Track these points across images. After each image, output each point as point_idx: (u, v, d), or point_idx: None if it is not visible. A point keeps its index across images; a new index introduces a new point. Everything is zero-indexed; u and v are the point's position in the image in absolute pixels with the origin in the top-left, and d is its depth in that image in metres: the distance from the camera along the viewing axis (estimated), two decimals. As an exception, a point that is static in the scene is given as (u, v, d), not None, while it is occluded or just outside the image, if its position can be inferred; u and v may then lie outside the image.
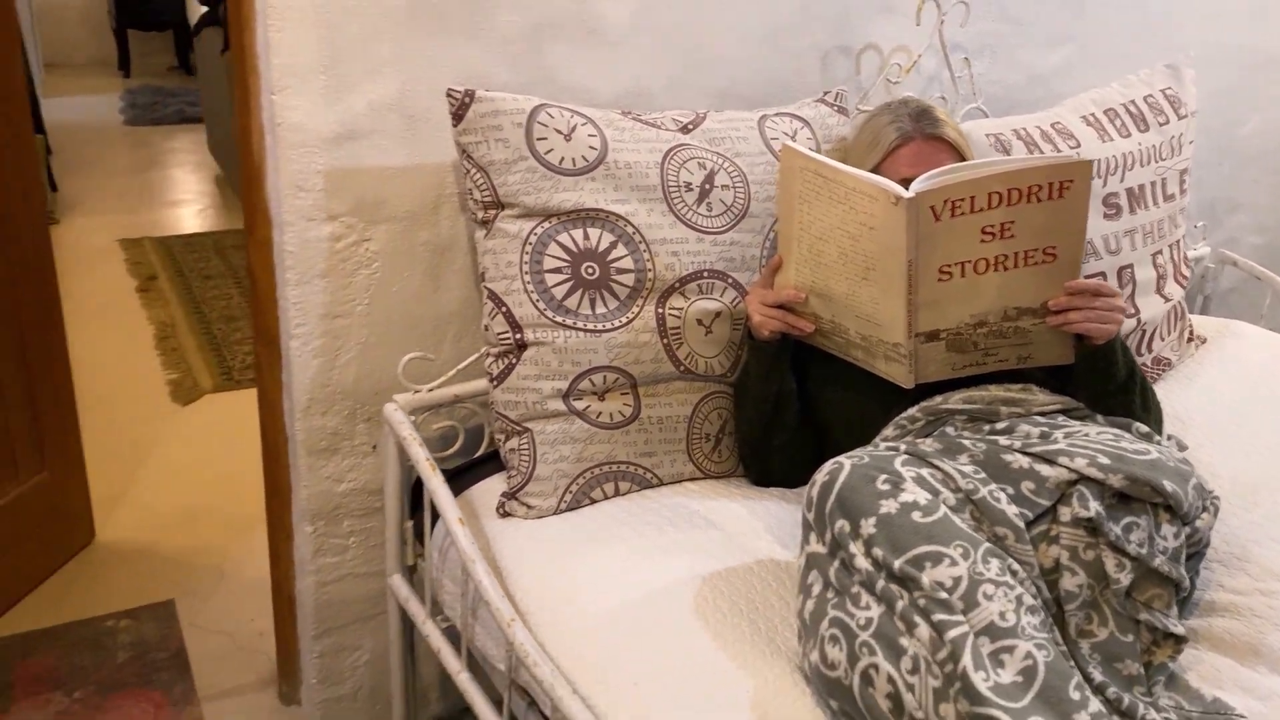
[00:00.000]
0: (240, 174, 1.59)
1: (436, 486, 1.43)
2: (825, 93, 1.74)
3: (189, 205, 4.70)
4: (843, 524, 1.16)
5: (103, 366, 3.04)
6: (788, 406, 1.51)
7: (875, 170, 1.46)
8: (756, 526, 1.46)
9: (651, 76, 1.69)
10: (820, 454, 1.55)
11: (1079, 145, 1.82)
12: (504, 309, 1.46)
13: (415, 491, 1.62)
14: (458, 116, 1.45)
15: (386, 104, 1.51)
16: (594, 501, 1.50)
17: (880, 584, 1.13)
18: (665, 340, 1.50)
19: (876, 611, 1.12)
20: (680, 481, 1.56)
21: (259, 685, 1.97)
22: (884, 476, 1.18)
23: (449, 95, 1.45)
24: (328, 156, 1.50)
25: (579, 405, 1.48)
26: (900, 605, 1.11)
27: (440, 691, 1.88)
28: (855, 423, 1.47)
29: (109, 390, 2.92)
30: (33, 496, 2.11)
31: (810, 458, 1.55)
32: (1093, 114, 1.88)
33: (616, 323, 1.47)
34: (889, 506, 1.15)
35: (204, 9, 4.87)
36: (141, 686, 1.93)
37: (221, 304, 3.59)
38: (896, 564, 1.11)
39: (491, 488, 1.55)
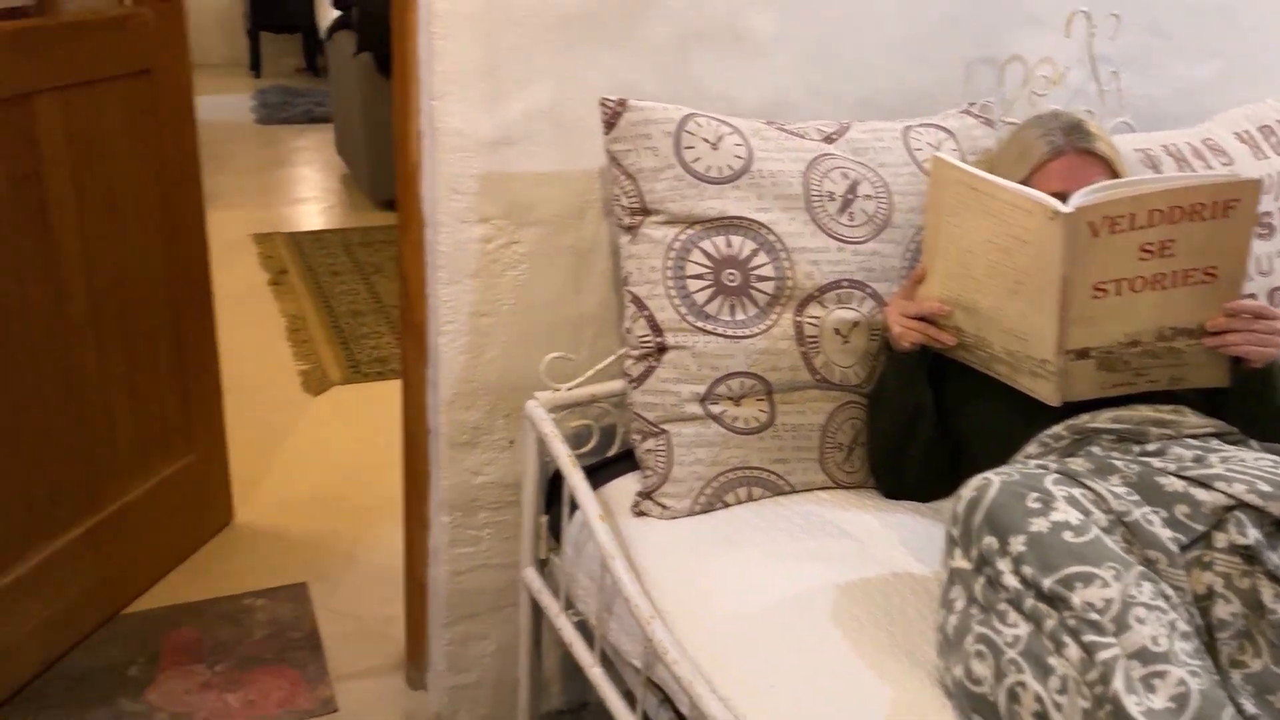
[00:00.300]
0: (396, 176, 1.66)
1: (577, 483, 1.47)
2: (970, 104, 1.73)
3: (316, 202, 4.88)
4: (990, 540, 1.16)
5: (239, 355, 3.17)
6: (924, 419, 1.51)
7: (1023, 184, 1.44)
8: (891, 538, 1.46)
9: (794, 86, 1.71)
10: (956, 468, 1.55)
11: (1232, 162, 1.78)
12: (646, 313, 1.49)
13: (550, 487, 1.66)
14: (609, 125, 1.49)
15: (540, 111, 1.56)
16: (727, 505, 1.52)
17: (1029, 602, 1.12)
18: (803, 348, 1.51)
19: (1024, 629, 1.12)
20: (811, 490, 1.57)
21: (387, 669, 2.04)
22: (1035, 495, 1.17)
23: (602, 104, 1.49)
24: (482, 161, 1.55)
25: (716, 409, 1.50)
26: (1049, 624, 1.10)
27: (561, 684, 1.92)
28: (995, 438, 1.46)
29: (245, 378, 3.05)
30: (180, 477, 2.23)
31: (945, 472, 1.55)
32: (1246, 130, 1.83)
33: (755, 329, 1.49)
34: (1039, 525, 1.14)
35: (337, 13, 5.04)
36: (277, 663, 2.02)
37: (348, 299, 3.72)
38: (1046, 583, 1.10)
39: (624, 486, 1.59)
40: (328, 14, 6.79)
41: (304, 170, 5.38)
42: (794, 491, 1.55)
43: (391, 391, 3.11)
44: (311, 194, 5.02)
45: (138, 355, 2.05)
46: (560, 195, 1.62)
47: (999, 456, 1.39)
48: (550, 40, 1.53)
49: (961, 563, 1.21)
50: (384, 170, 4.63)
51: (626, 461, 1.64)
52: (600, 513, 1.43)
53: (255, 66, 7.39)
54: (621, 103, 1.48)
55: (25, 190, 1.74)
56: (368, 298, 3.74)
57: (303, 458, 2.72)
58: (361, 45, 4.37)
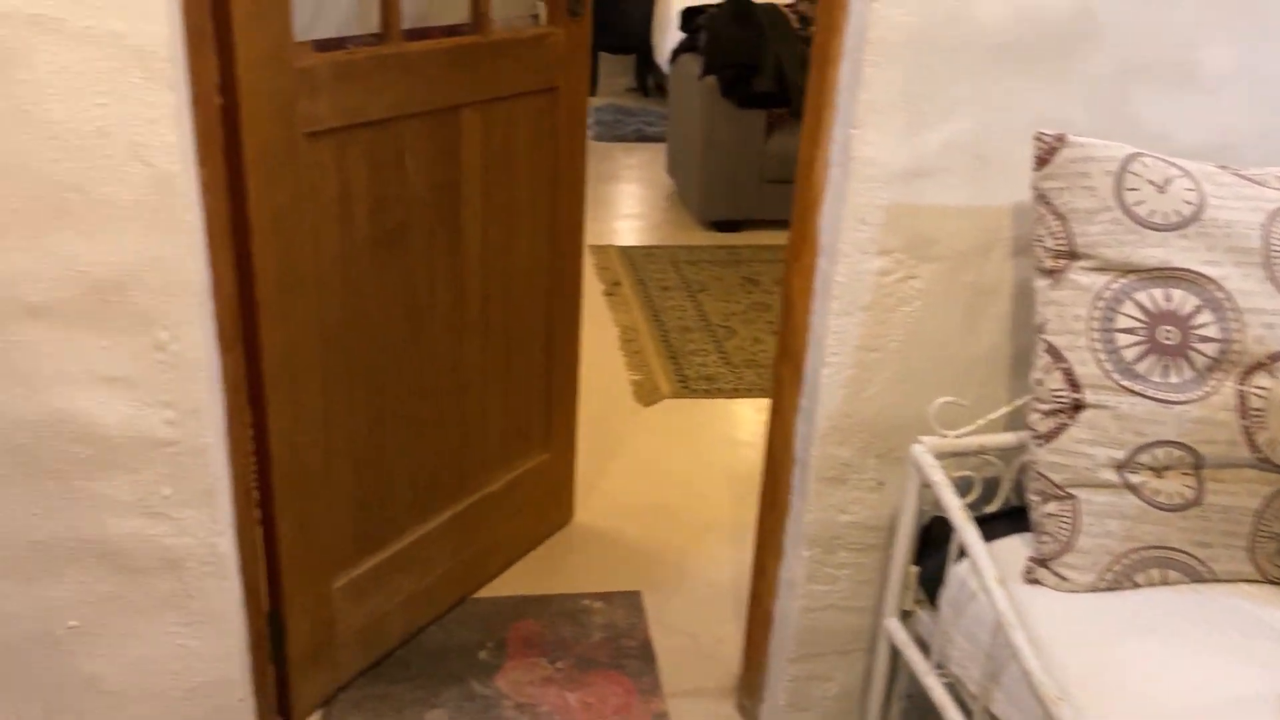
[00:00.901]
0: (795, 202, 1.64)
1: (972, 541, 1.38)
2: None
3: (646, 219, 5.03)
4: None
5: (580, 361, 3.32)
6: (1387, 517, 1.30)
7: None
8: (1342, 650, 1.27)
9: (1243, 127, 1.54)
10: None
11: None
12: (1063, 365, 1.38)
13: (922, 537, 1.59)
14: (1042, 160, 1.39)
15: (959, 143, 1.49)
16: (1136, 586, 1.38)
17: None
18: (1245, 422, 1.34)
19: None
20: (1235, 581, 1.39)
21: (718, 692, 2.03)
22: None
23: (1037, 139, 1.39)
24: (892, 192, 1.50)
25: (1134, 479, 1.36)
26: None
27: (900, 741, 1.83)
28: None
29: (582, 384, 3.17)
30: (535, 473, 2.33)
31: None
32: None
33: (1191, 395, 1.34)
34: None
35: (681, 36, 5.19)
36: (613, 669, 2.06)
37: (677, 315, 3.79)
38: None
39: (1008, 547, 1.48)
40: (665, 37, 7.02)
41: (634, 187, 5.57)
42: (1215, 580, 1.39)
43: (719, 410, 3.16)
44: (641, 210, 5.19)
45: (514, 356, 2.17)
46: (967, 231, 1.54)
47: None
48: (979, 70, 1.46)
49: None
50: (715, 192, 4.71)
51: (1008, 520, 1.54)
52: (998, 575, 1.33)
53: (592, 85, 7.76)
54: (1059, 138, 1.38)
55: (444, 196, 1.88)
56: (695, 315, 3.80)
57: (635, 466, 2.79)
58: (707, 68, 4.46)
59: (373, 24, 1.69)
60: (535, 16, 2.05)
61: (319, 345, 1.72)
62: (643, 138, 6.42)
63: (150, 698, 1.62)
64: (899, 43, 1.42)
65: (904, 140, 1.48)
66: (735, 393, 3.22)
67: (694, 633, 2.17)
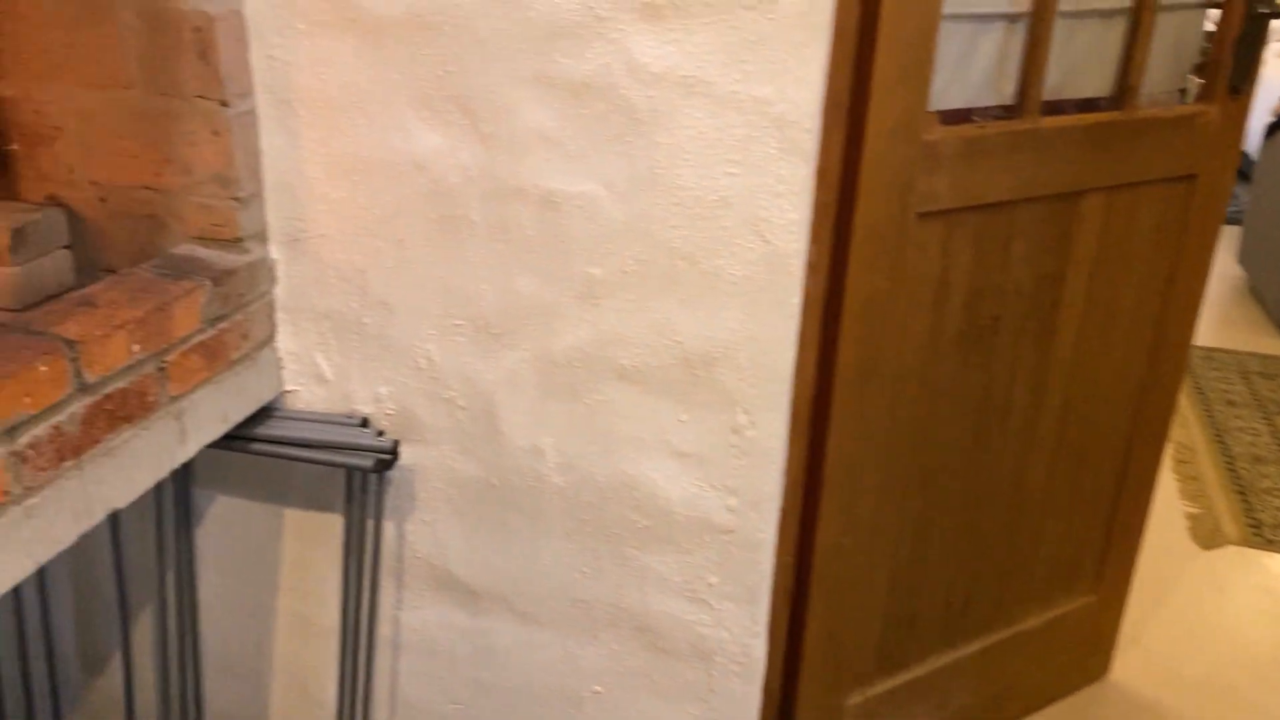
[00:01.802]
0: None
1: None
2: None
3: (1207, 314, 4.34)
4: None
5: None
6: None
7: None
8: None
9: None
10: None
11: None
12: None
13: None
14: None
15: None
16: None
17: None
18: None
19: None
20: None
21: None
22: None
23: None
24: None
25: None
26: None
27: None
28: None
29: (1124, 504, 2.73)
30: (1076, 616, 1.99)
31: None
32: None
33: None
34: None
35: (1283, 108, 4.42)
36: None
37: (1247, 439, 3.17)
38: None
39: None
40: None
41: (1189, 273, 4.86)
42: None
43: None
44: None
45: (1082, 477, 1.85)
46: None
47: None
48: None
49: None
50: (1307, 293, 3.94)
51: None
52: None
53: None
54: None
55: (1044, 291, 1.63)
56: (1270, 443, 3.15)
57: (1189, 623, 2.31)
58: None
59: (1007, 95, 1.49)
60: (1183, 91, 1.72)
61: (883, 444, 1.55)
62: (1203, 217, 5.62)
63: (652, 779, 1.55)
64: None
65: None
66: (1328, 554, 2.59)
67: None
